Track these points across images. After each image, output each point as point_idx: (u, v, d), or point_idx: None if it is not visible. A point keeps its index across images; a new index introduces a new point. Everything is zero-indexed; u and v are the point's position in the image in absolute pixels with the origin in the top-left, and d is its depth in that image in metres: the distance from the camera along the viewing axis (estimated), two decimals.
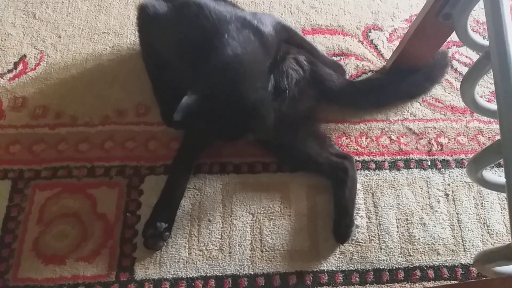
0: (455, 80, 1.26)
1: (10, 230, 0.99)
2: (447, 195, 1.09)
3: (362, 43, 1.31)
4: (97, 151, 1.10)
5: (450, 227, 1.05)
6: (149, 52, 1.11)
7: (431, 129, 1.17)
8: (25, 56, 1.23)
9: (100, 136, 1.12)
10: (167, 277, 0.96)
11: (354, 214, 1.04)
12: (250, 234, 1.01)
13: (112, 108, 1.16)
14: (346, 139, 1.15)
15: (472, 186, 1.10)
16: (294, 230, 1.02)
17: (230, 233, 1.01)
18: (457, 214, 1.07)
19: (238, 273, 0.97)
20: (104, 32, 1.28)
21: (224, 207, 1.04)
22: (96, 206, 1.03)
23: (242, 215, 1.04)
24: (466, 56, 1.31)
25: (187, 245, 1.00)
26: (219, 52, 0.91)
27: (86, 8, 1.32)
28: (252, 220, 1.03)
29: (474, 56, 1.31)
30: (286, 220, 1.04)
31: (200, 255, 0.99)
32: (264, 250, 1.00)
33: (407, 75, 1.19)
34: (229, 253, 0.99)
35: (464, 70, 1.28)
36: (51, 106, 1.16)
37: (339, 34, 1.32)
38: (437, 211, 1.07)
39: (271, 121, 0.94)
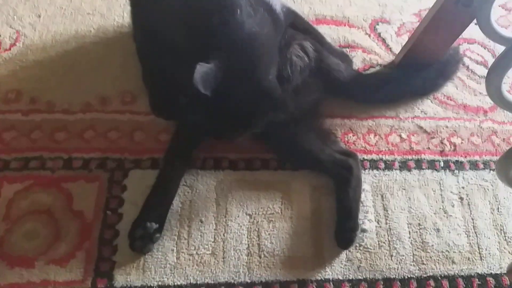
0: (467, 78, 1.18)
1: None
2: (461, 198, 1.00)
3: (369, 36, 1.22)
4: (76, 141, 0.98)
5: (466, 234, 0.96)
6: (143, 30, 0.98)
7: (443, 128, 1.09)
8: None
9: (79, 125, 1.00)
10: (152, 285, 0.85)
11: (362, 218, 0.94)
12: (247, 237, 0.90)
13: (95, 94, 1.04)
14: (353, 135, 1.05)
15: (488, 190, 1.02)
16: (296, 234, 0.92)
17: (224, 235, 0.90)
18: (472, 219, 0.98)
19: (232, 281, 0.86)
20: (89, 13, 1.17)
21: (218, 206, 0.93)
22: (72, 202, 0.90)
23: (238, 216, 0.92)
24: (478, 54, 1.24)
25: (175, 248, 0.88)
26: (233, 29, 0.82)
27: None
28: (249, 221, 0.92)
29: (486, 54, 1.24)
30: (287, 222, 0.93)
31: (190, 260, 0.87)
32: (262, 256, 0.89)
33: (418, 71, 1.10)
34: (223, 258, 0.88)
35: (476, 67, 1.21)
36: (25, 90, 1.03)
37: (344, 25, 1.23)
38: (451, 215, 0.98)
39: (288, 101, 0.87)
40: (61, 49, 1.10)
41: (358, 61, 1.17)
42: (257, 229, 0.91)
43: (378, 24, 1.25)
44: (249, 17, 0.85)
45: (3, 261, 0.84)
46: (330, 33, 1.21)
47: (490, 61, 1.22)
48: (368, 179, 0.99)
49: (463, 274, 0.91)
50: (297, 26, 1.05)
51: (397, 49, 1.20)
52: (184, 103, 0.82)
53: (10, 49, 1.09)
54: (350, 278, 0.88)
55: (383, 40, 1.22)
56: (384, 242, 0.93)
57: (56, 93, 1.04)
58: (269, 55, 0.88)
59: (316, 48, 1.03)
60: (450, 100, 1.14)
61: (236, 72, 0.81)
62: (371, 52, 1.19)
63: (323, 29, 1.21)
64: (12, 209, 0.89)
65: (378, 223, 0.95)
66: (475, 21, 0.94)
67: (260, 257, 0.89)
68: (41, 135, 0.98)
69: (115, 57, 1.10)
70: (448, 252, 0.93)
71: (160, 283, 0.85)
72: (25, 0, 1.17)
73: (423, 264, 0.91)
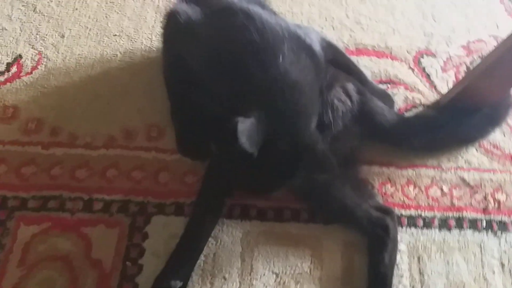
0: None
1: None
2: (502, 264, 0.92)
3: (413, 71, 1.13)
4: (97, 180, 0.93)
5: None
6: (174, 66, 0.92)
7: (487, 182, 1.00)
8: (20, 56, 1.06)
9: (102, 162, 0.95)
10: None
11: (396, 283, 0.87)
12: None
13: (119, 127, 0.99)
14: (391, 186, 0.98)
15: None
16: None
17: None
18: None
19: None
20: (115, 35, 1.10)
21: (243, 262, 0.88)
22: (91, 249, 0.86)
23: (264, 274, 0.87)
24: None
25: None
26: (274, 76, 0.75)
27: (96, 5, 1.14)
28: (275, 281, 0.86)
29: None
30: (315, 284, 0.87)
31: None
32: None
33: (466, 115, 1.01)
34: None
35: None
36: (47, 119, 0.98)
37: (387, 57, 1.14)
38: (491, 284, 0.90)
39: (331, 156, 0.80)
40: (85, 74, 1.05)
41: (400, 99, 1.08)
42: None
43: (422, 57, 1.15)
44: (292, 64, 0.78)
45: None
46: (371, 66, 1.12)
47: None
48: (404, 238, 0.92)
49: None
50: (337, 62, 0.98)
51: (441, 86, 1.11)
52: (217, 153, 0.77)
53: (31, 72, 1.04)
54: None
55: (428, 76, 1.13)
56: None
57: (79, 124, 0.99)
58: (312, 105, 0.81)
59: (359, 90, 0.95)
60: (497, 149, 1.05)
61: (276, 125, 0.74)
62: (414, 90, 1.10)
63: (363, 61, 1.13)
64: (28, 254, 0.85)
65: None
66: None
67: None
68: (62, 171, 0.93)
69: (141, 85, 1.04)
70: None
71: None
72: (48, 17, 1.11)
73: None
